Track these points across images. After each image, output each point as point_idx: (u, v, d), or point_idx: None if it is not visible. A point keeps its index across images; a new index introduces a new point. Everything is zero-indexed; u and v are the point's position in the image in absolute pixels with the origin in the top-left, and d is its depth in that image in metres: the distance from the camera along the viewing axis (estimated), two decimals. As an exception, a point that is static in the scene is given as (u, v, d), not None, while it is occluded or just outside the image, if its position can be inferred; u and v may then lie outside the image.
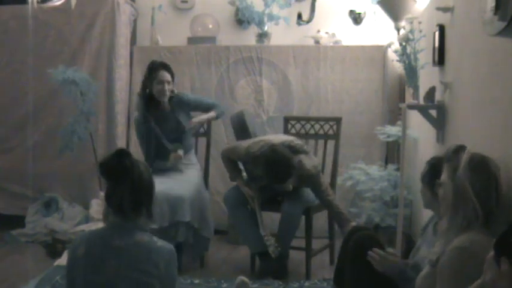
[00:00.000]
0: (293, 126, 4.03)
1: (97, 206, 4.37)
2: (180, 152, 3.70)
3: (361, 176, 3.93)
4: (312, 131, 3.99)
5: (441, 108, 3.02)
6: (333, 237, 3.84)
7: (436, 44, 3.06)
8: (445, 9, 2.92)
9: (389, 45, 4.00)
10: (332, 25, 4.77)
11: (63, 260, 3.56)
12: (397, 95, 4.60)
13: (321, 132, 3.98)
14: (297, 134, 3.91)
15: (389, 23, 4.19)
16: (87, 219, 4.44)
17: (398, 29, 4.03)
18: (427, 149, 3.42)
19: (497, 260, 1.18)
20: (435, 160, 2.25)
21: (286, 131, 4.00)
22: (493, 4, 1.88)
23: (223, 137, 4.59)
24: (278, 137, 3.57)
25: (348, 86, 4.54)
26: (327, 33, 4.69)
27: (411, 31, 3.30)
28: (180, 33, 4.92)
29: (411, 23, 3.66)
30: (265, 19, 4.64)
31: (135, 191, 1.95)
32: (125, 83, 4.74)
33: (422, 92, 3.22)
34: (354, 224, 3.30)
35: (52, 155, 4.55)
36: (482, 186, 1.76)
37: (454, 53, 2.86)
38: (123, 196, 1.93)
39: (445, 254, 1.73)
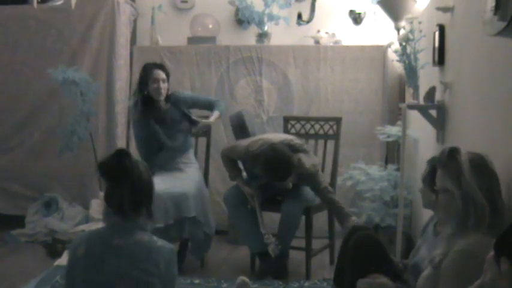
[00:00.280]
0: (293, 126, 4.03)
1: (97, 206, 4.37)
2: (214, 117, 3.75)
3: (361, 176, 3.93)
4: (312, 131, 3.99)
5: (441, 108, 3.02)
6: (333, 237, 3.85)
7: (436, 44, 3.06)
8: (445, 9, 2.92)
9: (389, 45, 4.00)
10: (332, 25, 4.77)
11: (63, 260, 3.56)
12: (397, 95, 4.60)
13: (321, 132, 3.98)
14: (297, 134, 3.91)
15: (389, 23, 4.19)
16: (87, 219, 4.44)
17: (398, 29, 4.04)
18: (427, 149, 3.42)
19: (497, 260, 1.18)
20: (436, 160, 2.24)
21: (286, 131, 4.00)
22: (493, 4, 1.88)
23: (223, 137, 4.59)
24: (277, 136, 3.58)
25: (348, 86, 4.54)
26: (327, 33, 4.69)
27: (411, 31, 3.30)
28: (180, 33, 4.93)
29: (411, 23, 3.66)
30: (265, 19, 4.64)
31: (135, 191, 1.95)
32: (125, 83, 4.74)
33: (422, 92, 3.22)
34: (354, 219, 3.29)
35: (52, 155, 4.55)
36: (488, 186, 1.76)
37: (454, 53, 2.86)
38: (123, 196, 1.93)
39: (449, 257, 1.73)
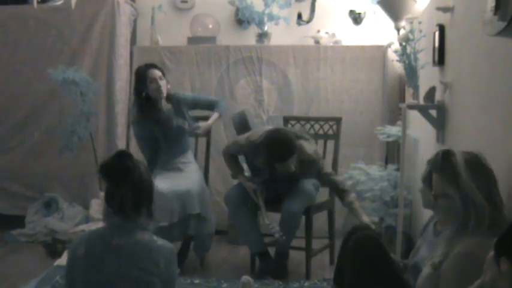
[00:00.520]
0: (293, 126, 4.03)
1: (97, 206, 4.37)
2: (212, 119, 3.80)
3: (361, 176, 3.93)
4: (311, 131, 3.99)
5: (441, 108, 3.02)
6: (333, 237, 3.85)
7: (436, 44, 3.06)
8: (445, 9, 2.92)
9: (389, 45, 4.00)
10: (332, 25, 4.77)
11: (63, 260, 3.55)
12: (397, 95, 4.60)
13: (321, 132, 3.98)
14: (297, 134, 3.92)
15: (389, 23, 4.19)
16: (87, 219, 4.44)
17: (398, 29, 4.03)
18: (427, 149, 3.42)
19: (497, 260, 1.18)
20: (430, 164, 2.24)
21: (286, 131, 4.01)
22: (493, 4, 1.88)
23: (223, 137, 4.59)
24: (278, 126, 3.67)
25: (348, 86, 4.54)
26: (327, 33, 4.69)
27: (411, 31, 3.30)
28: (180, 33, 4.93)
29: (411, 23, 3.66)
30: (265, 19, 4.64)
31: (136, 191, 1.95)
32: (125, 83, 4.74)
33: (422, 92, 3.22)
34: (353, 195, 3.41)
35: (52, 155, 4.55)
36: (486, 185, 1.76)
37: (454, 53, 2.86)
38: (124, 197, 1.94)
39: (450, 259, 1.72)
